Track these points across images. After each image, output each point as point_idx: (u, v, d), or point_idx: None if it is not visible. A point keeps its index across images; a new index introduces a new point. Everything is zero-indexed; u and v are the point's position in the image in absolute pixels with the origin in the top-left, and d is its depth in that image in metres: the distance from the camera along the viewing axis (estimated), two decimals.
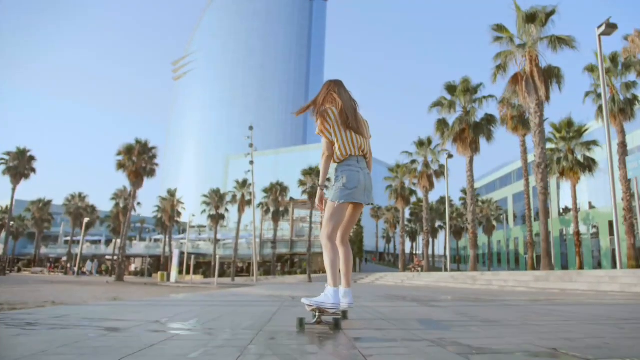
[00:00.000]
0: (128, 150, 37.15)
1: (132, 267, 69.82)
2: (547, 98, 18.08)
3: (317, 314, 2.96)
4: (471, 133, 24.78)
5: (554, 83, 18.42)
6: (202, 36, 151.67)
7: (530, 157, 54.05)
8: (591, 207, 47.23)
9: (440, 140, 26.24)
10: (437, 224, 69.12)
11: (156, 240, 71.16)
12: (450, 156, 25.90)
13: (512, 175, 64.40)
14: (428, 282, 20.34)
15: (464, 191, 62.80)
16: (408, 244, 72.37)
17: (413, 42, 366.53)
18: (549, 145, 31.05)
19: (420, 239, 73.88)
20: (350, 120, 3.12)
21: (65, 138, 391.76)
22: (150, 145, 38.05)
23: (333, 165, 3.21)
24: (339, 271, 3.10)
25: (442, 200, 67.43)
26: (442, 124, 26.42)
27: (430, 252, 74.13)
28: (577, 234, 29.44)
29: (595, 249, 47.30)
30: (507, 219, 62.75)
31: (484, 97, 25.91)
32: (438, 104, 26.71)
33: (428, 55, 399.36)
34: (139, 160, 37.32)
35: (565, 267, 48.07)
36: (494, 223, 60.68)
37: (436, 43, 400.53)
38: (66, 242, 66.45)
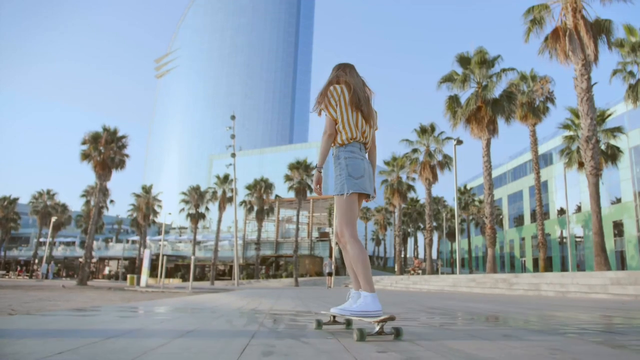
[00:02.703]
0: (94, 139, 33.12)
1: (106, 270, 65.49)
2: (596, 57, 14.71)
3: (379, 324, 2.50)
4: (489, 111, 21.18)
5: (601, 41, 15.00)
6: (186, 33, 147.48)
7: (542, 149, 51.18)
8: (578, 210, 44.97)
9: (450, 121, 22.65)
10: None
11: (133, 242, 67.14)
12: (459, 142, 22.36)
13: (507, 175, 61.66)
14: (442, 287, 16.81)
15: (460, 190, 59.60)
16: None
17: (405, 37, 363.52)
18: (565, 133, 27.86)
19: (412, 241, 70.63)
20: (363, 104, 2.87)
21: (39, 135, 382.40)
22: (119, 133, 34.09)
23: (331, 150, 2.91)
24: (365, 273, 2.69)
25: (434, 201, 64.09)
26: (453, 101, 22.72)
27: (422, 253, 71.07)
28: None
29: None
30: (501, 221, 59.75)
31: (504, 70, 22.22)
32: (448, 78, 23.04)
33: (422, 50, 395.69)
34: (106, 150, 33.30)
35: (566, 271, 45.28)
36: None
37: (430, 37, 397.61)
38: (41, 243, 62.09)
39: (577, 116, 26.53)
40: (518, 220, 58.13)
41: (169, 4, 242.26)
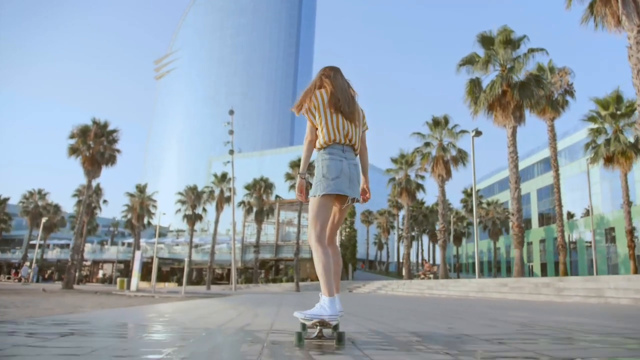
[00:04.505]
0: (83, 133, 31.06)
1: (100, 274, 63.29)
2: None
3: (317, 326, 2.57)
4: (516, 95, 18.94)
5: None
6: (186, 33, 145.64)
7: (547, 152, 49.19)
8: (588, 213, 43.23)
9: (471, 108, 20.38)
10: (436, 228, 63.37)
11: (129, 245, 65.18)
12: (478, 133, 20.27)
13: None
14: (466, 292, 14.69)
15: (466, 192, 57.52)
16: (402, 249, 66.50)
17: (407, 37, 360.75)
18: (591, 126, 25.79)
19: (416, 245, 68.37)
20: (343, 104, 2.80)
21: (37, 135, 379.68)
22: (110, 127, 32.07)
23: (315, 154, 2.92)
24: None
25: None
26: (474, 85, 20.47)
27: (429, 254, 68.80)
28: (631, 232, 24.02)
29: (613, 256, 42.76)
30: (507, 225, 57.47)
31: (531, 51, 20.03)
32: (468, 61, 20.77)
33: (423, 51, 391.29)
34: (96, 145, 31.24)
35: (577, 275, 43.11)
36: (500, 227, 55.28)
37: (432, 37, 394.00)
38: (32, 246, 60.05)
39: (604, 107, 24.48)
40: (524, 224, 56.12)
41: (169, 4, 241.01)
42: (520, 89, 19.10)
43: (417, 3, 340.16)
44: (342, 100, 2.79)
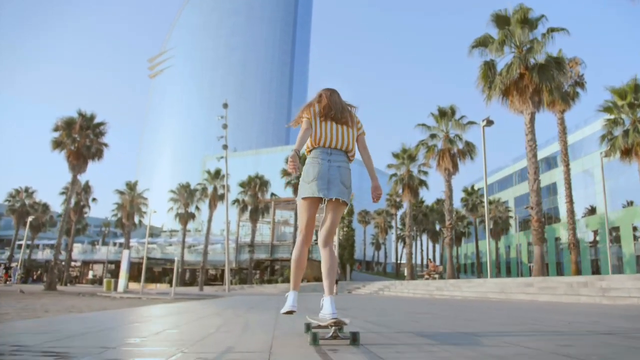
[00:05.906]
0: (68, 125, 29.48)
1: (90, 274, 61.49)
2: None
3: (332, 327, 2.58)
4: (535, 78, 17.33)
5: None
6: (180, 32, 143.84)
7: (546, 152, 47.91)
8: (591, 212, 42.15)
9: (484, 93, 18.75)
10: (436, 227, 61.90)
11: (120, 245, 63.47)
12: (489, 123, 18.79)
13: (514, 176, 58.17)
14: (483, 293, 13.18)
15: (466, 191, 56.05)
16: (400, 249, 64.92)
17: (405, 40, 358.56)
18: (607, 116, 24.37)
19: (417, 245, 66.88)
20: (335, 112, 2.98)
21: (31, 136, 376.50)
22: (97, 119, 30.47)
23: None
24: (301, 273, 2.99)
25: (439, 203, 60.38)
26: (488, 68, 18.86)
27: (428, 255, 67.15)
28: None
29: (616, 256, 41.45)
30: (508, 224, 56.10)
31: (551, 30, 18.47)
32: (482, 42, 19.14)
33: (421, 55, 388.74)
34: (81, 138, 29.63)
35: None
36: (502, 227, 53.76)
37: (430, 40, 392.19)
38: (20, 246, 58.24)
39: (621, 97, 23.06)
40: (525, 224, 54.69)
41: (163, 3, 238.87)
42: (540, 72, 17.56)
43: (417, 2, 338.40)
44: (333, 109, 2.97)
